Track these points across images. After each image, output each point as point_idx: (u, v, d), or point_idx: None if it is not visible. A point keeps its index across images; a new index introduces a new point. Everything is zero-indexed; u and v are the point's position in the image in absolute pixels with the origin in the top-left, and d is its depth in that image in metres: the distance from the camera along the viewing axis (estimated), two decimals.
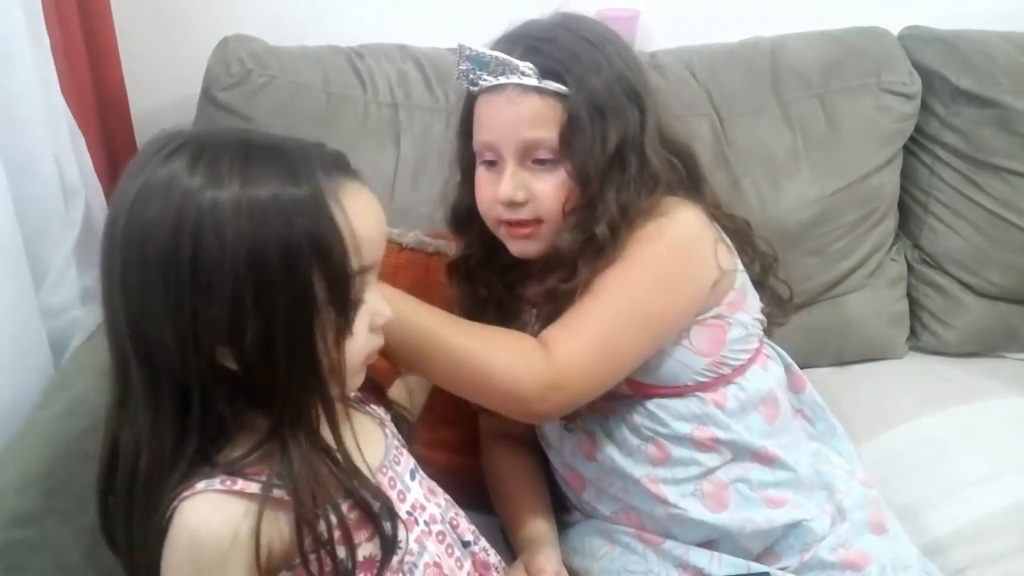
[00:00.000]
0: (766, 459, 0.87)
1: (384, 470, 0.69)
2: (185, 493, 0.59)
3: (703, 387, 0.86)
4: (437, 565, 0.69)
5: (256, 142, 0.61)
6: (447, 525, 0.73)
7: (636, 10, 1.39)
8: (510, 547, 0.92)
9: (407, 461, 0.73)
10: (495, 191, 0.84)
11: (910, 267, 1.40)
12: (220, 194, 0.57)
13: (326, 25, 1.31)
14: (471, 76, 0.85)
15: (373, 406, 0.75)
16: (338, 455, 0.63)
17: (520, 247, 0.87)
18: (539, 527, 0.91)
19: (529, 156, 0.84)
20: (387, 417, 0.76)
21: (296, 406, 0.60)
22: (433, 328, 0.76)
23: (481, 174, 0.87)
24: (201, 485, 0.59)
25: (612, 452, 0.88)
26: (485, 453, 1.02)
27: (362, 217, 0.62)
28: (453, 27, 1.32)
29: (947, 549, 0.97)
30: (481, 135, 0.86)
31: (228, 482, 0.59)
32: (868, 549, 0.85)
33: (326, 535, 0.61)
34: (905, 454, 1.12)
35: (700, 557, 0.85)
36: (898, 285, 1.38)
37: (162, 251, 0.57)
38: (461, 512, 0.76)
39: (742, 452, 0.87)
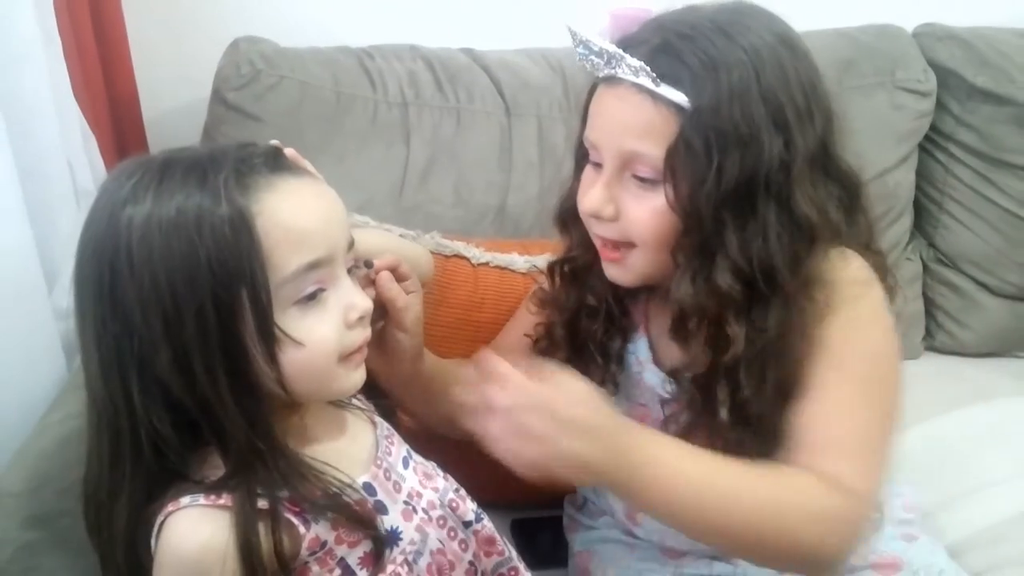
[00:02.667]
0: None
1: (378, 462, 0.69)
2: (171, 508, 0.59)
3: None
4: (441, 552, 0.69)
5: (179, 156, 0.61)
6: (447, 509, 0.72)
7: (648, 10, 1.37)
8: (518, 542, 0.91)
9: (399, 449, 0.72)
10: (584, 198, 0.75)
11: (925, 266, 1.39)
12: (134, 212, 0.58)
13: (337, 26, 1.31)
14: (588, 62, 0.73)
15: (357, 399, 0.74)
16: (311, 462, 0.63)
17: (610, 272, 0.77)
18: None
19: (629, 169, 0.71)
20: (372, 407, 0.75)
21: (245, 427, 0.59)
22: (713, 484, 0.66)
23: (586, 174, 0.76)
24: (186, 500, 0.59)
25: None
26: None
27: (295, 211, 0.60)
28: (464, 27, 1.33)
29: (963, 553, 0.96)
30: (588, 131, 0.75)
31: (212, 496, 0.59)
32: (899, 554, 0.83)
33: (321, 543, 0.61)
34: (920, 456, 1.11)
35: (724, 568, 0.83)
36: (913, 285, 1.37)
37: (89, 272, 0.59)
38: (462, 490, 0.74)
39: None
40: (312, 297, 0.61)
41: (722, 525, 0.66)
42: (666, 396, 0.80)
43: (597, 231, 0.76)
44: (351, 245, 0.65)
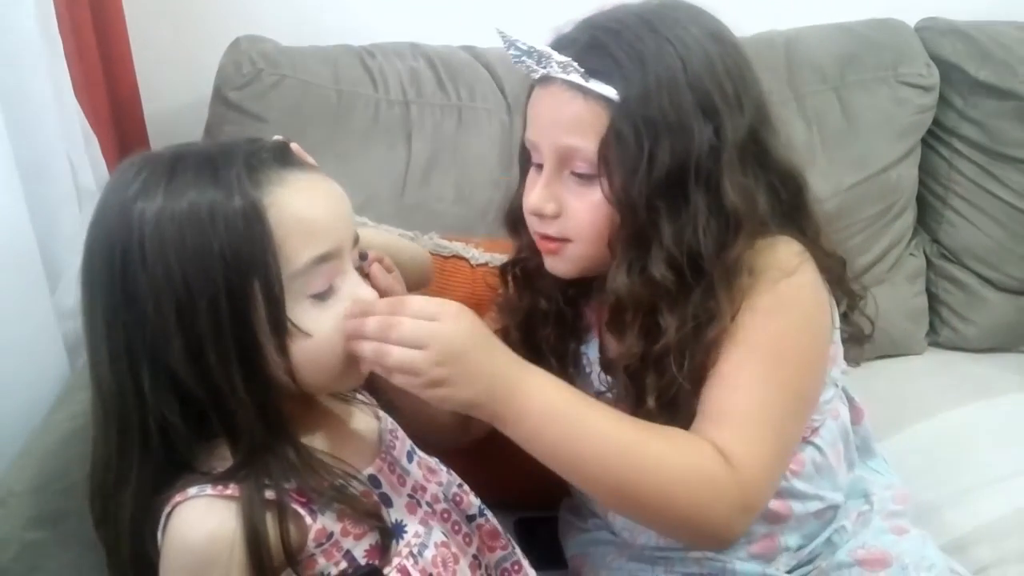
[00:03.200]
0: (826, 512, 0.83)
1: (383, 456, 0.70)
2: (178, 499, 0.59)
3: None
4: (445, 545, 0.69)
5: (188, 152, 0.61)
6: (451, 503, 0.73)
7: None
8: (522, 542, 0.91)
9: (403, 444, 0.73)
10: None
11: (929, 262, 1.38)
12: (146, 207, 0.58)
13: (338, 25, 1.31)
14: (522, 65, 0.75)
15: (361, 394, 0.75)
16: (318, 454, 0.63)
17: (549, 263, 0.78)
18: None
19: (567, 166, 0.73)
20: (376, 402, 0.75)
21: (255, 417, 0.60)
22: (598, 430, 0.66)
23: (530, 176, 0.78)
24: (193, 491, 0.59)
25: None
26: None
27: (305, 204, 0.61)
28: (465, 25, 1.33)
29: (968, 547, 0.96)
30: (527, 131, 0.77)
31: (220, 486, 0.59)
32: (888, 548, 0.83)
33: (327, 534, 0.61)
34: (924, 451, 1.11)
35: (714, 566, 0.83)
36: (917, 280, 1.37)
37: (100, 264, 0.59)
38: (465, 484, 0.75)
39: (808, 516, 0.81)
40: (324, 293, 0.62)
41: (587, 467, 0.66)
42: (603, 389, 0.80)
43: (538, 229, 0.77)
44: (356, 241, 0.66)
